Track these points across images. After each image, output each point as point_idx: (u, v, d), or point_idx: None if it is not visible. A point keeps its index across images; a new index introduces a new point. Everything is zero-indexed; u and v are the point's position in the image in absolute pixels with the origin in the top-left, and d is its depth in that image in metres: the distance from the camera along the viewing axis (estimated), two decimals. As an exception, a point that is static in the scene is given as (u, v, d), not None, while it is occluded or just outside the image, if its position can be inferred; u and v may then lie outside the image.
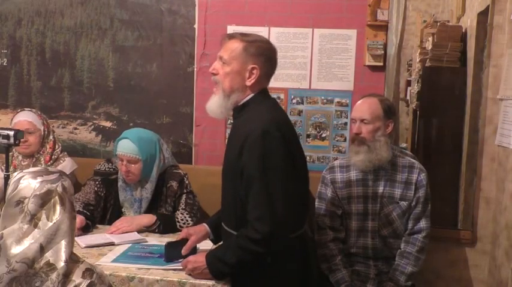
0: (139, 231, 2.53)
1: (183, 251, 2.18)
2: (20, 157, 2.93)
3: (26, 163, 2.91)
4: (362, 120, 2.46)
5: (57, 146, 3.00)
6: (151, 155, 2.67)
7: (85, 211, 2.59)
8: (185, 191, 2.71)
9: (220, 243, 2.21)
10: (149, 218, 2.57)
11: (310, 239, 2.21)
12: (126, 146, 2.62)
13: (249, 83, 1.99)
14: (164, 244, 2.19)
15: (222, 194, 2.15)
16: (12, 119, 2.98)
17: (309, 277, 2.12)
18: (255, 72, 1.98)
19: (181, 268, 2.09)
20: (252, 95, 2.01)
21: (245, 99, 2.02)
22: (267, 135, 1.89)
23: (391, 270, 2.47)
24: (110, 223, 2.63)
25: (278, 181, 1.89)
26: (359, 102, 2.55)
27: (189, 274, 2.01)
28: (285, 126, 2.00)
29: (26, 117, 2.91)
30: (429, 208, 2.52)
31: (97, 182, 2.72)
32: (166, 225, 2.56)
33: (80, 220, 2.47)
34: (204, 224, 2.28)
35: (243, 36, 2.01)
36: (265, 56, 2.00)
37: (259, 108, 2.00)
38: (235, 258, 1.93)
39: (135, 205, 2.69)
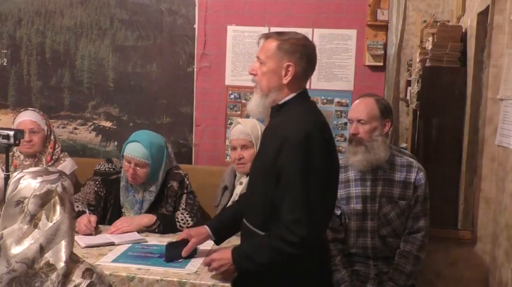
0: (139, 231, 2.53)
1: (183, 253, 2.18)
2: (22, 157, 2.93)
3: (28, 162, 2.91)
4: (359, 121, 2.46)
5: (57, 146, 3.01)
6: (159, 160, 2.68)
7: (90, 211, 2.59)
8: (185, 191, 2.71)
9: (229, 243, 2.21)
10: (149, 218, 2.58)
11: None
12: (137, 149, 2.61)
13: (285, 81, 1.96)
14: (165, 244, 2.19)
15: (248, 193, 2.15)
16: (14, 119, 2.97)
17: (327, 278, 2.13)
18: (291, 69, 1.95)
19: (181, 268, 2.09)
20: (291, 95, 1.98)
21: (284, 99, 1.99)
22: (310, 139, 1.86)
23: (390, 270, 2.47)
24: (110, 223, 2.62)
25: (318, 185, 1.87)
26: (355, 102, 2.55)
27: (213, 271, 2.00)
28: (326, 130, 2.00)
29: (30, 117, 2.92)
30: (428, 207, 2.51)
31: (97, 182, 2.72)
32: (166, 225, 2.56)
33: (94, 219, 2.49)
34: (205, 226, 2.27)
35: (278, 35, 2.00)
36: (300, 52, 1.96)
37: (298, 109, 1.98)
38: (266, 258, 1.91)
39: (135, 206, 2.69)
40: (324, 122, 2.01)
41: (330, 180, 1.95)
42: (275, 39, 1.97)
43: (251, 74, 2.02)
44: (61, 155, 3.01)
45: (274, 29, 3.27)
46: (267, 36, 2.01)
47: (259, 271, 1.95)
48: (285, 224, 1.87)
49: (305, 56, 1.97)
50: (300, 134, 1.86)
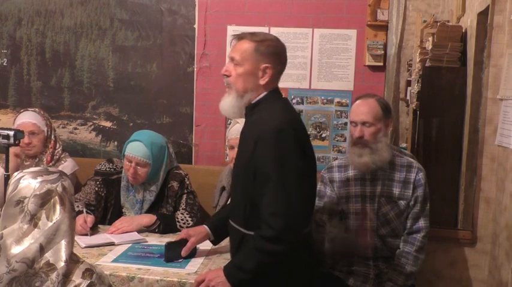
0: (139, 231, 2.53)
1: (183, 253, 2.18)
2: (23, 157, 2.93)
3: (29, 163, 2.91)
4: (364, 123, 2.43)
5: (58, 145, 3.01)
6: (160, 160, 2.68)
7: (88, 211, 2.59)
8: (186, 191, 2.71)
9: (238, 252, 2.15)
10: (149, 218, 2.58)
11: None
12: (138, 149, 2.62)
13: (263, 81, 1.99)
14: (164, 244, 2.19)
15: (231, 192, 2.16)
16: (15, 120, 2.97)
17: (313, 276, 2.12)
18: (268, 71, 1.98)
19: (181, 268, 2.09)
20: (264, 93, 2.01)
21: (258, 98, 2.01)
22: (281, 133, 1.89)
23: (390, 270, 2.47)
24: (111, 223, 2.63)
25: (293, 179, 1.88)
26: (357, 103, 2.49)
27: None
28: (298, 125, 2.01)
29: (30, 119, 2.91)
30: (428, 207, 2.51)
31: (97, 182, 2.72)
32: (166, 225, 2.56)
33: (90, 219, 2.49)
34: (204, 226, 2.28)
35: (252, 36, 2.01)
36: (276, 54, 2.00)
37: (272, 106, 2.00)
38: (254, 263, 1.89)
39: (136, 206, 2.69)
40: (295, 117, 2.05)
41: (305, 172, 1.95)
42: (251, 41, 1.99)
43: (224, 74, 2.03)
44: (62, 156, 3.01)
45: (274, 29, 3.28)
46: (240, 37, 2.02)
47: (253, 279, 1.92)
48: (264, 220, 1.88)
49: (281, 58, 2.03)
50: (272, 130, 1.88)
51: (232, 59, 2.00)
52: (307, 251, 2.07)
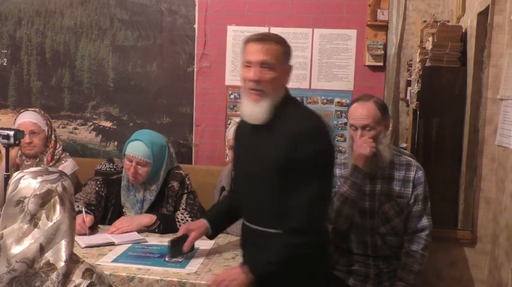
0: (139, 231, 2.53)
1: (185, 248, 2.19)
2: (23, 157, 2.93)
3: (29, 163, 2.91)
4: (364, 127, 2.41)
5: (58, 145, 3.01)
6: (161, 159, 2.69)
7: (87, 211, 2.59)
8: (186, 191, 2.72)
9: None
10: (149, 218, 2.58)
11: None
12: (138, 148, 2.62)
13: (287, 83, 2.01)
14: (165, 244, 2.19)
15: (247, 196, 2.08)
16: (15, 119, 2.97)
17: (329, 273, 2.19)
18: (290, 72, 2.02)
19: (181, 268, 2.09)
20: (284, 93, 2.02)
21: (280, 99, 2.00)
22: (321, 132, 1.96)
23: (398, 270, 2.47)
24: (111, 223, 2.63)
25: (328, 174, 1.98)
26: (355, 107, 2.45)
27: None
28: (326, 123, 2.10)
29: (30, 119, 2.92)
30: (429, 206, 2.51)
31: (98, 182, 2.72)
32: (166, 225, 2.56)
33: (89, 219, 2.49)
34: (203, 220, 2.28)
35: (275, 37, 1.99)
36: (291, 53, 2.04)
37: (298, 106, 2.05)
38: (280, 255, 1.91)
39: (136, 205, 2.69)
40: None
41: (332, 167, 2.05)
42: (277, 43, 1.96)
43: (254, 80, 1.92)
44: (62, 156, 3.01)
45: (274, 29, 3.28)
46: (266, 39, 1.96)
47: (277, 273, 1.92)
48: (296, 213, 1.91)
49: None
50: (312, 129, 1.93)
51: (263, 63, 1.92)
52: (324, 250, 2.13)
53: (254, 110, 1.96)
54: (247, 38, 1.99)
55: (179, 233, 2.24)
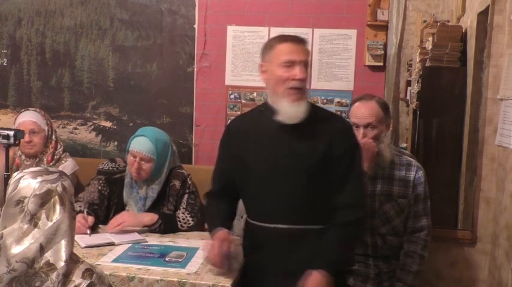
0: (140, 231, 2.52)
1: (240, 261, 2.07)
2: (23, 157, 2.93)
3: (29, 163, 2.91)
4: (366, 126, 2.41)
5: (59, 146, 3.01)
6: (164, 156, 2.69)
7: (90, 211, 2.58)
8: (187, 191, 2.71)
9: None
10: (151, 217, 2.56)
11: None
12: (143, 143, 2.63)
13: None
14: (166, 243, 2.16)
15: (274, 196, 2.05)
16: (15, 119, 2.98)
17: None
18: None
19: (181, 268, 2.09)
20: None
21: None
22: (351, 128, 2.19)
23: (397, 270, 2.47)
24: (113, 222, 2.64)
25: (362, 166, 2.15)
26: (357, 106, 2.46)
27: None
28: None
29: (30, 118, 2.92)
30: (429, 206, 2.51)
31: (101, 181, 2.72)
32: (167, 225, 2.55)
33: (91, 219, 2.48)
34: (224, 229, 2.08)
35: (303, 39, 2.07)
36: None
37: (314, 105, 2.15)
38: (350, 249, 2.14)
39: (139, 203, 2.69)
40: None
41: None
42: (306, 44, 2.05)
43: (301, 79, 1.98)
44: (62, 156, 3.01)
45: (274, 29, 3.28)
46: (301, 40, 2.03)
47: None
48: (347, 205, 2.02)
49: None
50: (348, 125, 2.16)
51: (304, 63, 1.99)
52: None
53: (297, 110, 1.99)
54: (279, 39, 2.04)
55: (223, 248, 2.01)
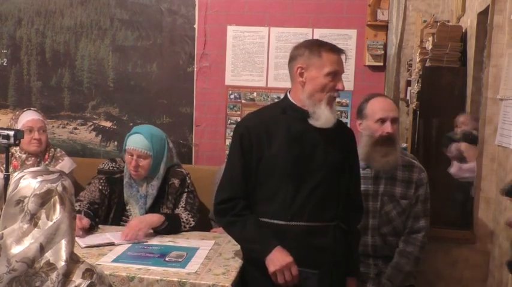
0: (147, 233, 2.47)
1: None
2: (24, 157, 2.92)
3: (31, 162, 2.91)
4: (393, 120, 2.40)
5: (51, 145, 3.03)
6: (161, 152, 2.69)
7: (89, 211, 2.57)
8: (186, 190, 2.71)
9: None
10: (158, 218, 2.50)
11: None
12: (138, 141, 2.63)
13: None
14: (166, 243, 2.16)
15: (307, 194, 2.09)
16: (19, 118, 2.93)
17: None
18: None
19: (181, 268, 2.09)
20: None
21: None
22: None
23: (389, 268, 2.47)
24: (114, 221, 2.63)
25: None
26: (378, 100, 2.45)
27: None
28: None
29: (38, 116, 2.95)
30: (428, 208, 2.52)
31: (101, 181, 2.72)
32: (172, 225, 2.53)
33: (85, 221, 2.44)
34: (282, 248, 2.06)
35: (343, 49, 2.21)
36: None
37: None
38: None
39: (140, 201, 2.68)
40: None
41: None
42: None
43: (341, 90, 2.16)
44: (59, 155, 3.01)
45: (274, 29, 3.28)
46: (343, 51, 2.18)
47: None
48: (355, 205, 2.28)
49: None
50: (352, 131, 2.33)
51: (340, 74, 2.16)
52: None
53: (334, 116, 2.15)
54: (326, 48, 2.11)
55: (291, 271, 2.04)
